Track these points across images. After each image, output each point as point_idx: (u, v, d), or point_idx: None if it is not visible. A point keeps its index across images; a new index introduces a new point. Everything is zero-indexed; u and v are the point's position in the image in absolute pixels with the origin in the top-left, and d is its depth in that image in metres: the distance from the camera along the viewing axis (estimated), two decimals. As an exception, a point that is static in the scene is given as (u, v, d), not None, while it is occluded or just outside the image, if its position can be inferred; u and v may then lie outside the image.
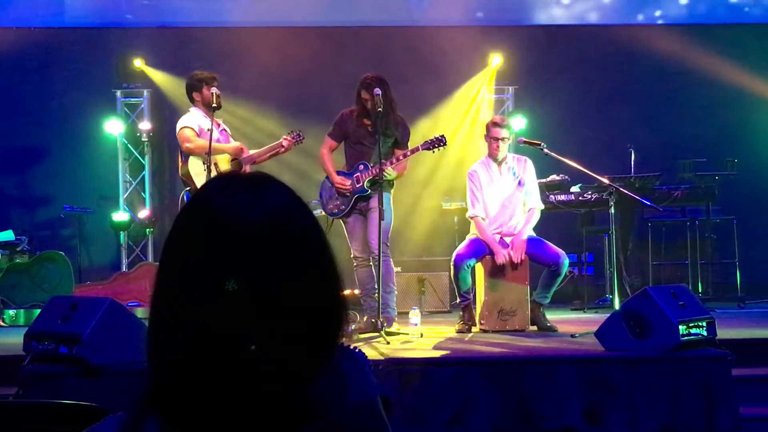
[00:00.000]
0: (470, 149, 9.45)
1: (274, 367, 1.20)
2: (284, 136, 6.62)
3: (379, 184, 6.19)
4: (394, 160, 6.30)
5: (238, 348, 1.19)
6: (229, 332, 1.19)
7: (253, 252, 1.21)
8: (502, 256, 6.36)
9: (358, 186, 6.39)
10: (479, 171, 6.64)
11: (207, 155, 6.06)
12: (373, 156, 6.32)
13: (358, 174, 6.40)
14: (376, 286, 6.21)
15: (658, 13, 10.17)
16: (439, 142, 6.42)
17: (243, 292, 1.19)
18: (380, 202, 6.12)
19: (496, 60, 9.77)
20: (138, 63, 9.75)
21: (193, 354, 1.19)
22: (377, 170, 6.20)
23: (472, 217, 6.63)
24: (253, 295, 1.20)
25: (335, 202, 6.49)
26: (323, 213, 6.71)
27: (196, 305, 1.20)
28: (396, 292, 6.56)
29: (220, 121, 6.54)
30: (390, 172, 6.29)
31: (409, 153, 6.37)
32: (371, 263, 6.38)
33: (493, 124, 6.59)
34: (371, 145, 6.35)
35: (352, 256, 6.54)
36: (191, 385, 1.20)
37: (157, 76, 9.80)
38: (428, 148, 6.42)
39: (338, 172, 6.50)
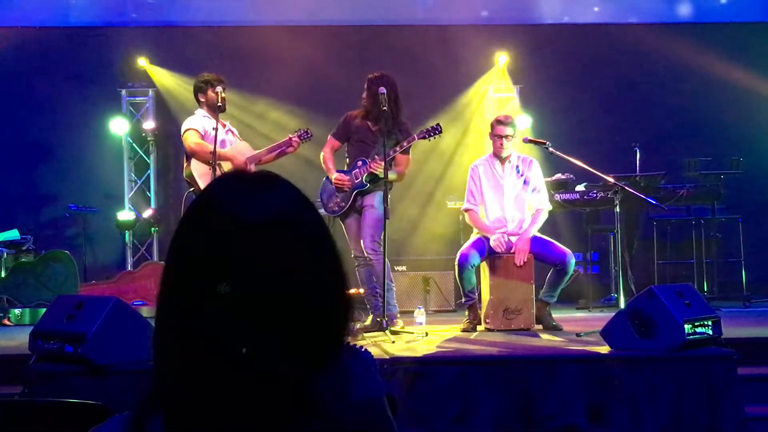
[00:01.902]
0: (475, 148, 9.44)
1: (278, 365, 1.20)
2: (291, 135, 6.61)
3: (382, 182, 6.19)
4: (390, 153, 6.29)
5: (241, 346, 1.19)
6: (234, 330, 1.19)
7: (257, 252, 1.21)
8: (497, 240, 6.35)
9: (356, 181, 6.41)
10: (481, 167, 6.64)
11: (211, 155, 6.06)
12: (372, 154, 6.35)
13: (357, 170, 6.42)
14: (377, 285, 6.21)
15: (663, 13, 10.14)
16: (434, 131, 6.43)
17: (246, 289, 1.20)
18: (385, 201, 6.14)
19: (502, 59, 9.77)
20: (142, 62, 9.76)
21: (197, 353, 1.20)
22: (375, 165, 6.21)
23: (466, 210, 6.65)
24: (258, 294, 1.20)
25: (335, 200, 6.51)
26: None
27: (200, 305, 1.20)
28: (394, 289, 6.56)
29: (227, 122, 6.54)
30: (381, 170, 6.28)
31: (405, 144, 6.36)
32: (367, 263, 6.38)
33: (498, 122, 6.59)
34: (372, 143, 6.38)
35: (352, 255, 6.54)
36: (195, 384, 1.20)
37: (162, 75, 9.81)
38: (424, 137, 6.43)
39: (338, 171, 6.52)
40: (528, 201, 6.58)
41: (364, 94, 6.45)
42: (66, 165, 9.79)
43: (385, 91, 6.21)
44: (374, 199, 6.38)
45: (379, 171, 6.27)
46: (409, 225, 9.47)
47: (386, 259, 6.33)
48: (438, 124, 6.49)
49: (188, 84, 9.01)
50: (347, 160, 6.61)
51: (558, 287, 6.45)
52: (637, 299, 5.13)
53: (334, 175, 6.48)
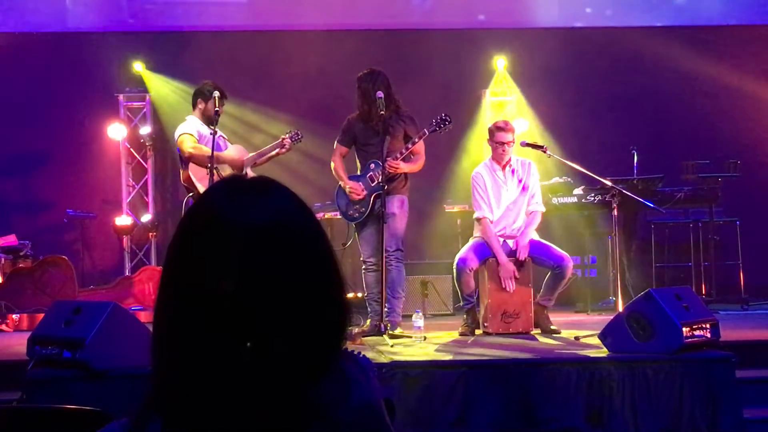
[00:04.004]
0: (473, 152, 9.44)
1: (276, 369, 1.20)
2: (283, 137, 6.63)
3: (383, 185, 6.18)
4: (403, 150, 6.28)
5: (240, 350, 1.19)
6: (231, 334, 1.19)
7: (256, 255, 1.22)
8: (507, 273, 6.33)
9: (373, 184, 6.35)
10: (483, 174, 6.63)
11: (209, 159, 6.07)
12: (383, 154, 6.25)
13: (371, 173, 6.37)
14: (382, 292, 6.19)
15: (660, 16, 10.15)
16: (443, 122, 6.36)
17: (243, 293, 1.20)
18: (383, 205, 6.13)
19: (500, 63, 9.78)
20: (138, 67, 9.75)
21: (196, 356, 1.20)
22: (390, 165, 6.20)
23: (479, 219, 6.59)
24: (256, 298, 1.20)
25: (354, 206, 6.43)
26: (326, 216, 6.71)
27: (199, 308, 1.20)
28: (404, 298, 6.56)
29: (218, 129, 6.53)
30: (402, 165, 6.28)
31: (416, 140, 6.32)
32: (379, 268, 6.33)
33: (498, 129, 6.57)
34: (379, 144, 6.29)
35: (361, 259, 6.52)
36: (193, 387, 1.20)
37: (158, 81, 9.81)
38: (434, 131, 6.36)
39: (351, 177, 6.46)
40: (525, 204, 6.59)
41: (357, 95, 6.43)
42: (63, 170, 9.78)
43: (382, 95, 6.20)
44: (395, 206, 6.31)
45: (402, 168, 6.26)
46: (407, 229, 9.46)
47: (403, 267, 6.41)
48: (445, 114, 6.41)
49: (185, 89, 9.02)
50: (358, 164, 6.55)
51: (556, 291, 6.46)
52: (635, 302, 5.14)
53: (348, 186, 6.39)
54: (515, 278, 6.36)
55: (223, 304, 1.20)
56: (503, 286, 6.33)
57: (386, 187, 6.23)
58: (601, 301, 8.37)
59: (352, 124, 6.50)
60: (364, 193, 6.37)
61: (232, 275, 1.20)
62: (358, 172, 6.49)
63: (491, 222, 6.52)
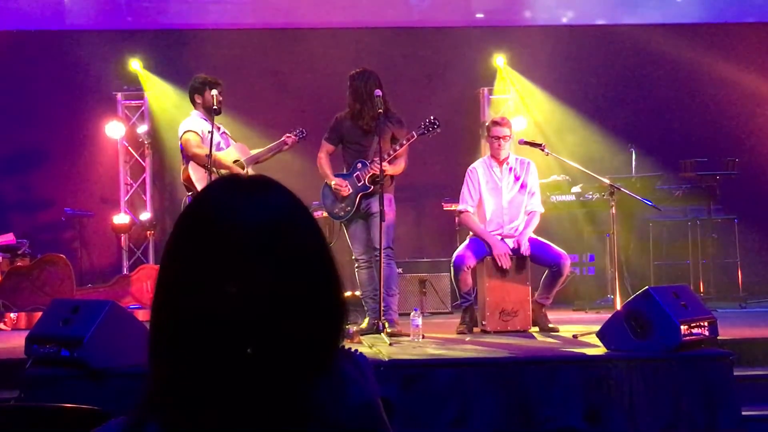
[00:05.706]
0: (472, 150, 9.45)
1: (273, 369, 1.20)
2: (287, 134, 6.65)
3: (380, 184, 6.19)
4: (391, 152, 6.29)
5: (238, 349, 1.19)
6: (229, 333, 1.19)
7: (254, 255, 1.22)
8: (500, 250, 6.34)
9: (359, 184, 6.37)
10: (479, 170, 6.64)
11: (207, 157, 6.06)
12: (370, 154, 6.32)
13: (358, 173, 6.39)
14: (377, 288, 6.20)
15: (660, 13, 10.15)
16: (432, 126, 6.38)
17: (243, 293, 1.20)
18: (380, 203, 6.12)
19: (499, 60, 9.78)
20: (135, 65, 9.73)
21: (193, 355, 1.20)
22: (376, 166, 6.20)
23: (461, 212, 6.65)
24: (253, 297, 1.20)
25: (340, 205, 6.46)
26: (324, 215, 6.73)
27: (196, 307, 1.20)
28: (398, 294, 6.56)
29: (221, 125, 6.53)
30: (386, 167, 6.28)
31: (405, 142, 6.34)
32: (373, 265, 6.36)
33: (494, 124, 6.60)
34: (368, 144, 6.34)
35: (353, 257, 6.53)
36: (191, 387, 1.20)
37: (155, 79, 9.79)
38: (423, 134, 6.39)
39: (337, 175, 6.48)
40: (524, 204, 6.59)
41: (348, 93, 6.43)
42: (62, 168, 9.78)
43: (381, 93, 6.20)
44: (384, 205, 6.33)
45: (388, 171, 6.26)
46: (405, 227, 9.47)
47: (394, 264, 6.41)
48: (435, 118, 6.41)
49: (183, 88, 9.01)
50: (345, 163, 6.58)
51: (553, 289, 6.46)
52: (634, 300, 5.13)
53: (334, 181, 6.41)
54: (512, 272, 6.37)
55: (219, 302, 1.19)
56: (499, 265, 6.33)
57: (378, 186, 6.24)
58: (600, 299, 8.38)
59: (340, 122, 6.51)
60: (350, 191, 6.38)
61: (230, 275, 1.20)
62: (345, 171, 6.49)
63: (486, 220, 6.54)
